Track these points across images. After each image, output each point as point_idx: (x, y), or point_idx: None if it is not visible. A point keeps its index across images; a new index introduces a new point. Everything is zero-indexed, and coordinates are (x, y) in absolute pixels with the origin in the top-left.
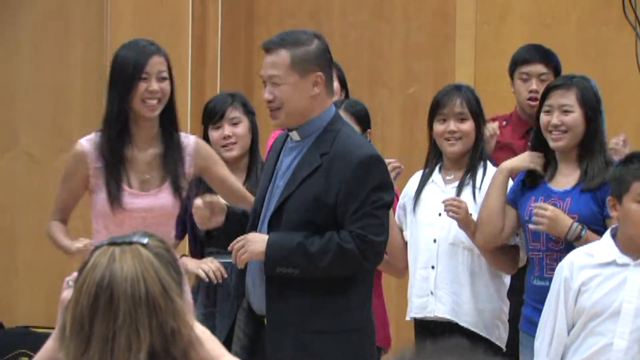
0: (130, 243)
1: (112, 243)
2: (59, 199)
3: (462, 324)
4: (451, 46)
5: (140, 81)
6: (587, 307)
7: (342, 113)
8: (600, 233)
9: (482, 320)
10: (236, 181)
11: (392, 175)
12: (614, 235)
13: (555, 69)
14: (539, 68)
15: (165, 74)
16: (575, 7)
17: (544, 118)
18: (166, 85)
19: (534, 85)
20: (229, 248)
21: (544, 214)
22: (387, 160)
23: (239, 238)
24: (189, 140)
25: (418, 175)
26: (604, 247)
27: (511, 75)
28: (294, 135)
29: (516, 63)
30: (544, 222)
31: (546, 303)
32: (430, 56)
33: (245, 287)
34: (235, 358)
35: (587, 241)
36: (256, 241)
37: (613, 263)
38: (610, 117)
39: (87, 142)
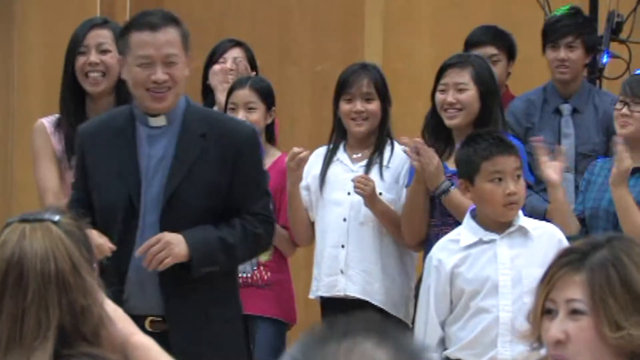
0: (42, 220)
1: (23, 220)
2: (45, 179)
3: (374, 302)
4: (360, 24)
5: (79, 55)
6: (465, 287)
7: (247, 90)
8: None
9: (391, 299)
10: None
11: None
12: (474, 217)
13: (509, 50)
14: (490, 50)
15: (108, 47)
16: None
17: (439, 97)
18: (109, 58)
19: None
20: (139, 251)
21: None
22: (296, 150)
23: (152, 240)
24: None
25: (318, 154)
26: (466, 230)
27: None
28: (158, 120)
29: (468, 45)
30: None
31: (420, 294)
32: (339, 34)
33: (120, 290)
34: (147, 336)
35: (451, 200)
36: (177, 243)
37: (480, 242)
38: (520, 90)
39: (47, 121)
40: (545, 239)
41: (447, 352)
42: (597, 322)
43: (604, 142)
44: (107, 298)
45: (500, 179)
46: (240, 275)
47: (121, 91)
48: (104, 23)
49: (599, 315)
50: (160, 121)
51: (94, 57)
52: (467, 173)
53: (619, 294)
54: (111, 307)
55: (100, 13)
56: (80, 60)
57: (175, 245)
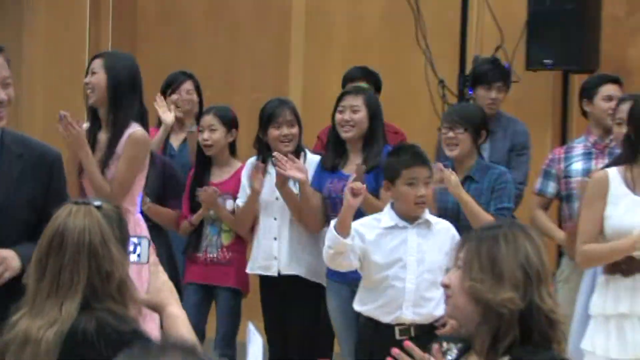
0: (87, 204)
1: (75, 202)
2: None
3: (301, 275)
4: (286, 63)
5: None
6: (380, 261)
7: (211, 116)
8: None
9: (313, 270)
10: (123, 171)
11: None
12: (392, 207)
13: (375, 83)
14: (362, 83)
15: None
16: (379, 37)
17: (338, 116)
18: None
19: None
20: None
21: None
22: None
23: None
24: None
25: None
26: (387, 215)
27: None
28: None
29: (346, 79)
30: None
31: None
32: (271, 70)
33: None
34: (180, 309)
35: (367, 204)
36: (12, 257)
37: (395, 227)
38: (408, 118)
39: None
40: (443, 232)
41: (361, 309)
42: (463, 275)
43: (509, 155)
44: (161, 269)
45: (414, 184)
46: (208, 255)
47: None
48: None
49: (465, 271)
50: None
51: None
52: (391, 176)
53: (483, 261)
54: (162, 280)
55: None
56: None
57: (11, 259)
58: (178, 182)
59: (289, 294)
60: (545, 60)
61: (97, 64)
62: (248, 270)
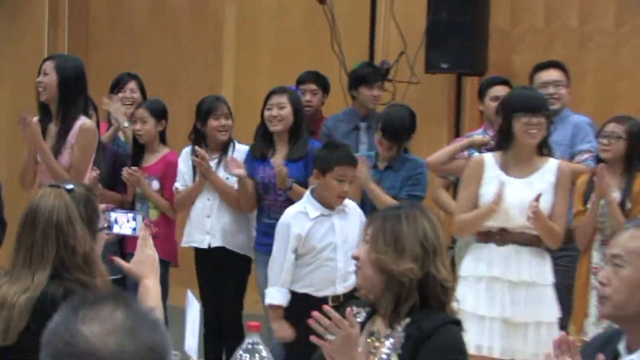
0: (59, 187)
1: (51, 185)
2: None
3: (229, 247)
4: (220, 67)
5: None
6: (315, 245)
7: (143, 109)
8: (305, 185)
9: (241, 244)
10: (79, 158)
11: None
12: (312, 194)
13: (324, 87)
14: (312, 86)
15: None
16: (300, 44)
17: (266, 113)
18: None
19: (307, 97)
20: None
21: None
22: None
23: None
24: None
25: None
26: (310, 205)
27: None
28: None
29: (298, 82)
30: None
31: (275, 245)
32: (206, 72)
33: None
34: (155, 283)
35: (293, 193)
36: None
37: (322, 216)
38: (325, 113)
39: None
40: (353, 213)
41: (295, 288)
42: (370, 248)
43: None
44: (150, 244)
45: (343, 181)
46: None
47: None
48: None
49: (371, 245)
50: None
51: None
52: (322, 168)
53: (387, 237)
54: (145, 253)
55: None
56: None
57: None
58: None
59: (220, 265)
60: (442, 65)
61: (49, 65)
62: (183, 244)
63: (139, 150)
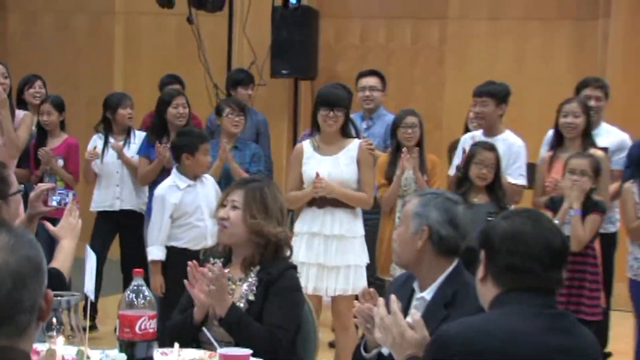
0: None
1: None
2: None
3: (136, 209)
4: (112, 73)
5: None
6: (187, 210)
7: (47, 104)
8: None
9: (138, 205)
10: (23, 139)
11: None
12: (178, 170)
13: (183, 85)
14: (177, 86)
15: None
16: (174, 56)
17: (174, 111)
18: None
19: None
20: None
21: None
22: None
23: None
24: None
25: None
26: (179, 178)
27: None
28: None
29: (164, 84)
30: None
31: (153, 212)
32: (102, 77)
33: None
34: (70, 244)
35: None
36: None
37: (189, 186)
38: (195, 110)
39: None
40: (208, 182)
41: (174, 244)
42: (244, 214)
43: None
44: (75, 214)
45: (207, 154)
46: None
47: None
48: None
49: (245, 210)
50: None
51: None
52: (191, 150)
53: (258, 204)
54: (68, 220)
55: None
56: None
57: None
58: (28, 152)
59: (122, 223)
60: (283, 71)
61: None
62: (92, 209)
63: (44, 136)
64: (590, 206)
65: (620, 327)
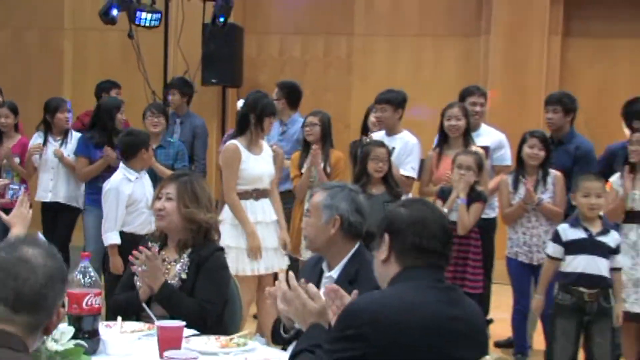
0: None
1: None
2: None
3: (65, 202)
4: (61, 82)
5: None
6: (136, 199)
7: (5, 109)
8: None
9: (75, 198)
10: None
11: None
12: (126, 165)
13: (120, 88)
14: (117, 90)
15: None
16: (118, 66)
17: (120, 116)
18: None
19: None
20: None
21: None
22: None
23: None
24: None
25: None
26: (128, 172)
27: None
28: None
29: (103, 90)
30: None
31: (107, 203)
32: (52, 85)
33: None
34: (20, 230)
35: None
36: None
37: (138, 178)
38: (135, 114)
39: None
40: (145, 176)
41: (124, 229)
42: (178, 203)
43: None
44: (25, 204)
45: (149, 151)
46: (7, 192)
47: None
48: None
49: (179, 200)
50: None
51: None
52: (146, 145)
53: (190, 195)
54: (19, 210)
55: None
56: None
57: None
58: None
59: (59, 212)
60: (212, 80)
61: None
62: (36, 199)
63: (0, 136)
64: (474, 196)
65: (500, 297)
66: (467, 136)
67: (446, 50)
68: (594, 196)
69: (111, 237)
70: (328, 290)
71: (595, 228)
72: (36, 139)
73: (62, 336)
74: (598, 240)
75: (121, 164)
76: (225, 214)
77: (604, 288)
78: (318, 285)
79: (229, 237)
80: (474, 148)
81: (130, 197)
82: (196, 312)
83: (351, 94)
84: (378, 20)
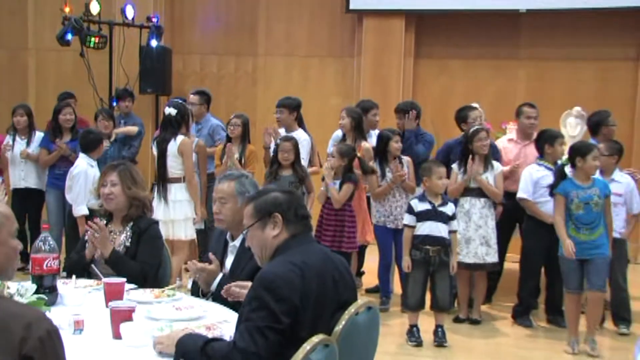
0: None
1: None
2: None
3: (36, 187)
4: (26, 93)
5: None
6: (95, 179)
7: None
8: None
9: (41, 184)
10: None
11: None
12: (86, 154)
13: (75, 98)
14: (72, 100)
15: None
16: (74, 79)
17: (62, 117)
18: None
19: (73, 106)
20: None
21: None
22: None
23: None
24: None
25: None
26: (88, 160)
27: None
28: None
29: (63, 98)
30: None
31: (77, 183)
32: (18, 93)
33: None
34: None
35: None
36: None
37: (95, 164)
38: (88, 118)
39: None
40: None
41: (91, 206)
42: (122, 186)
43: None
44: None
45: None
46: None
47: None
48: None
49: (123, 183)
50: None
51: None
52: (93, 145)
53: (130, 178)
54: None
55: None
56: None
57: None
58: None
59: (28, 197)
60: (148, 90)
61: None
62: (12, 187)
63: None
64: (346, 178)
65: (368, 255)
66: (358, 133)
67: (328, 67)
68: (443, 179)
69: (82, 209)
70: (226, 293)
71: (438, 201)
72: (8, 139)
73: (27, 292)
74: (440, 210)
75: (81, 154)
76: (180, 193)
77: (444, 246)
78: (225, 252)
79: (190, 210)
80: (363, 143)
81: (93, 178)
82: (138, 272)
83: (256, 102)
84: (276, 44)
